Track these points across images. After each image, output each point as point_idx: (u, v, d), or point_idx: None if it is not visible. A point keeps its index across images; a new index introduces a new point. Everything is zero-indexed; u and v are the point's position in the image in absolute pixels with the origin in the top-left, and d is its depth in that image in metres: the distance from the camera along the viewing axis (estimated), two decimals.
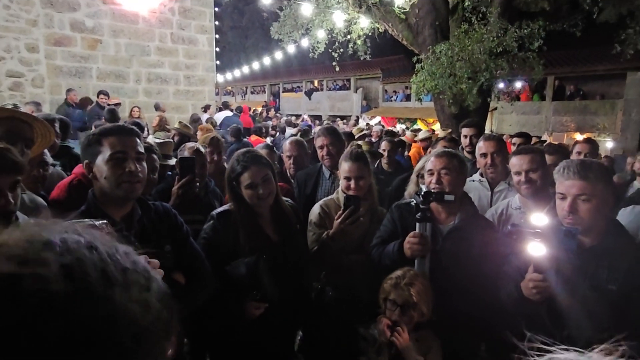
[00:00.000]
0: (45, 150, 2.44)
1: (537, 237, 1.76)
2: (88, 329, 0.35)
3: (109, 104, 7.95)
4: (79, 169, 2.59)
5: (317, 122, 15.47)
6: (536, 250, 1.76)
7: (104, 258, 0.40)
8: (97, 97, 7.98)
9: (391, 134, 7.39)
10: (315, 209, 2.62)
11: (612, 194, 1.92)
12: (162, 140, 3.41)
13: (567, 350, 0.45)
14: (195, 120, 8.34)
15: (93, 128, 6.00)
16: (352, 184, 2.48)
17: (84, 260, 0.38)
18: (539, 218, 1.95)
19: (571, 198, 1.82)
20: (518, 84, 15.73)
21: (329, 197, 2.71)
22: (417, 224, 2.16)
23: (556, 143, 7.65)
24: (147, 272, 0.43)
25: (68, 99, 7.79)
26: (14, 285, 0.34)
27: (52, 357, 0.33)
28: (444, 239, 2.25)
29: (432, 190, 2.18)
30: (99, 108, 7.56)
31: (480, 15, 8.36)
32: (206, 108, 10.24)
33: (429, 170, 2.31)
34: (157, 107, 9.48)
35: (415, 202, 2.19)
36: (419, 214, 2.15)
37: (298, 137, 4.57)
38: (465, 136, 4.03)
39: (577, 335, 1.65)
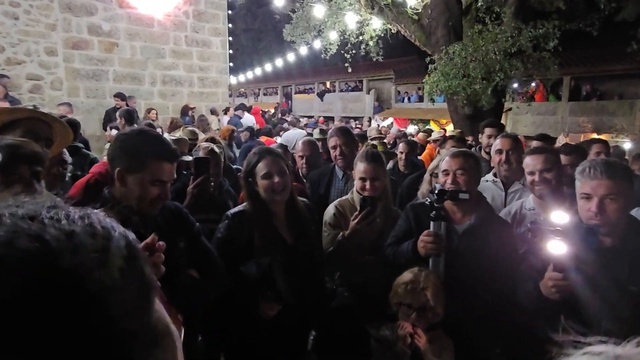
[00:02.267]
0: (65, 150, 2.47)
1: (557, 235, 1.72)
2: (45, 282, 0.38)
3: (192, 113, 8.29)
4: (96, 168, 2.63)
5: (330, 123, 15.53)
6: (556, 248, 1.72)
7: (46, 224, 0.42)
8: (114, 99, 8.05)
9: (406, 136, 7.42)
10: (330, 210, 2.60)
11: (634, 194, 1.87)
12: (176, 138, 3.43)
13: (604, 342, 0.45)
14: (203, 120, 8.41)
15: (108, 130, 6.11)
16: (368, 184, 2.46)
17: (19, 231, 0.40)
18: (560, 216, 1.90)
19: (598, 198, 1.78)
20: (533, 84, 15.52)
21: (344, 197, 2.69)
22: (432, 223, 2.13)
23: (573, 143, 7.51)
24: (107, 233, 0.44)
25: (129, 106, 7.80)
26: None
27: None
28: (459, 238, 2.21)
29: (446, 189, 2.16)
30: (112, 110, 7.57)
31: (494, 15, 8.30)
32: (226, 110, 10.43)
33: (444, 170, 2.28)
34: (212, 111, 9.63)
35: (429, 200, 2.17)
36: (433, 212, 2.12)
37: (310, 137, 4.57)
38: (489, 136, 3.92)
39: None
